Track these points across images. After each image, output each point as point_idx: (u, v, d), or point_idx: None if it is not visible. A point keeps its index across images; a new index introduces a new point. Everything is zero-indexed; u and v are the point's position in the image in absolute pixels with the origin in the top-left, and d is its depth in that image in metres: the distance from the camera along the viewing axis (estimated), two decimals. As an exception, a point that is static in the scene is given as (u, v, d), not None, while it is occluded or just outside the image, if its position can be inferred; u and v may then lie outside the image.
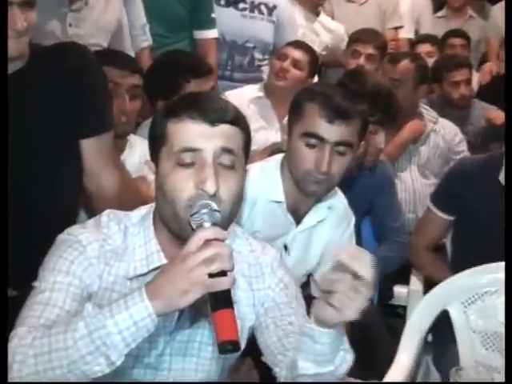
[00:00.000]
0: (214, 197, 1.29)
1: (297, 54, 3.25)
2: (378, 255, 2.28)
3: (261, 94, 3.26)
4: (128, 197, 1.81)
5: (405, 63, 3.21)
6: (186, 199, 1.30)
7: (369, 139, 2.25)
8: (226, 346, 1.17)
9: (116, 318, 1.17)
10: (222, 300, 1.19)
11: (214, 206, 1.28)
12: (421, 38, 4.42)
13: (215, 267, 1.17)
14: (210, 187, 1.28)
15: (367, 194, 2.51)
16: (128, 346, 1.18)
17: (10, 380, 1.20)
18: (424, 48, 4.18)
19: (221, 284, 1.18)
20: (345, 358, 1.33)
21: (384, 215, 2.56)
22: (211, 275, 1.17)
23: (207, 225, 1.25)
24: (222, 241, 1.21)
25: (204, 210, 1.27)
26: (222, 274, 1.18)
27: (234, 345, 1.17)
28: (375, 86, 2.39)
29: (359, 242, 2.30)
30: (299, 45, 3.30)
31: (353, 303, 1.19)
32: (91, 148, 1.77)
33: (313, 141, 1.85)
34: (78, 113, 1.73)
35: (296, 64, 3.24)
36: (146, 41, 3.06)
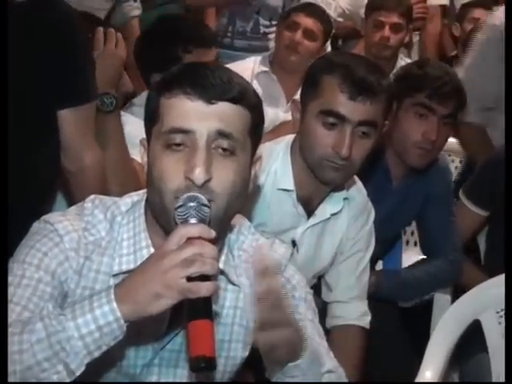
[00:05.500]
0: (203, 188, 1.24)
1: (309, 22, 3.15)
2: (427, 271, 2.33)
3: (265, 68, 3.19)
4: (120, 182, 1.79)
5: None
6: (173, 190, 1.26)
7: (438, 134, 2.17)
8: (199, 363, 1.14)
9: (78, 320, 1.15)
10: (199, 309, 1.15)
11: (203, 199, 1.24)
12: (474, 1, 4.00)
13: (194, 270, 1.15)
14: (198, 176, 1.24)
15: (414, 202, 2.38)
16: (90, 354, 1.16)
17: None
18: (477, 14, 3.80)
19: (199, 290, 1.15)
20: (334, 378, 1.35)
21: (435, 229, 2.37)
22: (190, 279, 1.15)
23: (193, 221, 1.22)
24: (211, 241, 1.18)
25: (191, 204, 1.23)
26: (203, 278, 1.15)
27: (209, 362, 1.14)
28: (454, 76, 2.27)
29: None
30: (311, 10, 3.20)
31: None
32: (69, 120, 1.73)
33: (331, 120, 1.79)
34: (56, 79, 1.68)
35: (308, 34, 3.14)
36: (137, 9, 2.97)
